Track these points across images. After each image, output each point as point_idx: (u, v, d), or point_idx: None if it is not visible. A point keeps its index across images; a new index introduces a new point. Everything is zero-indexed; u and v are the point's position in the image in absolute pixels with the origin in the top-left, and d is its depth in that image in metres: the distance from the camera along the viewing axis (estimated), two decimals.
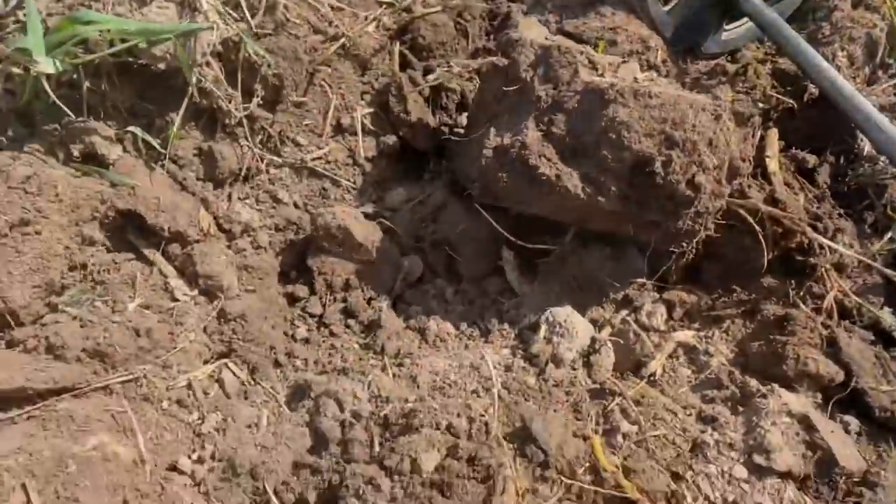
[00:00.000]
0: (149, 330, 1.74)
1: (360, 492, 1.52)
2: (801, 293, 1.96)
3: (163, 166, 2.01)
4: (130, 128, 1.93)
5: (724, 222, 1.89)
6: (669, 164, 1.71)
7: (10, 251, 1.64)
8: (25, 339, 1.66)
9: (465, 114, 2.37)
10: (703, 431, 1.62)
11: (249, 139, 2.14)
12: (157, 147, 1.98)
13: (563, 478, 1.52)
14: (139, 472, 1.56)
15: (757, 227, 1.89)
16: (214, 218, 2.06)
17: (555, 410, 1.70)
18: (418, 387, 1.82)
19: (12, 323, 1.66)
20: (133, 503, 1.53)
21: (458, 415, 1.67)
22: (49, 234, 1.67)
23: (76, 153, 1.86)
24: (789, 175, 2.16)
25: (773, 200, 1.98)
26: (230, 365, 1.88)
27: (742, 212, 1.90)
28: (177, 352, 1.80)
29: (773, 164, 2.08)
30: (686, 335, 1.93)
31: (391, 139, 2.29)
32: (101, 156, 1.88)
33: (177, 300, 1.91)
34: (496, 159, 1.84)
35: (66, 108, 1.82)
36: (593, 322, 1.99)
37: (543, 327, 1.94)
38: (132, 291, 1.84)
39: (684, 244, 1.83)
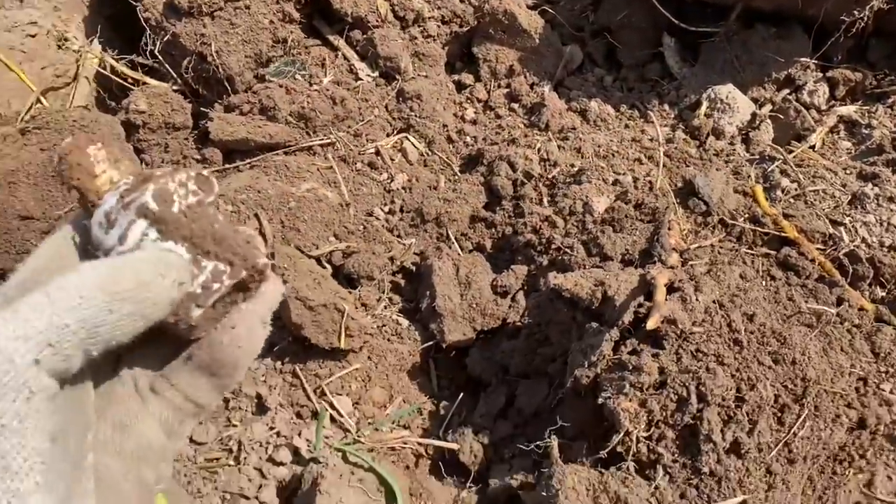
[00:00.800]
0: (343, 99, 1.95)
1: (537, 228, 1.71)
2: None
3: None
4: None
5: None
6: None
7: (225, 23, 1.85)
8: (241, 103, 1.90)
9: None
10: (862, 186, 1.69)
11: None
12: None
13: (724, 221, 1.65)
14: (345, 213, 1.81)
15: None
16: (391, 6, 2.21)
17: (717, 170, 1.80)
18: (583, 156, 1.96)
19: (229, 89, 1.90)
20: (342, 236, 1.78)
21: (624, 173, 1.81)
22: (256, 9, 1.87)
23: None
24: None
25: None
26: (410, 137, 2.08)
27: None
28: (364, 123, 2.01)
29: None
30: (849, 109, 1.96)
31: None
32: None
33: (360, 80, 2.10)
34: None
35: None
36: (754, 101, 2.05)
37: (705, 103, 2.02)
38: (323, 70, 2.04)
39: (856, 12, 1.83)
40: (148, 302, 0.52)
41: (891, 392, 1.40)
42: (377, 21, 2.13)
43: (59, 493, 0.50)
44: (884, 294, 1.54)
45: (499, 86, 2.24)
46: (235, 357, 0.60)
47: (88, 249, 0.58)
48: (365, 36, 2.13)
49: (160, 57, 1.89)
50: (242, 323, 0.59)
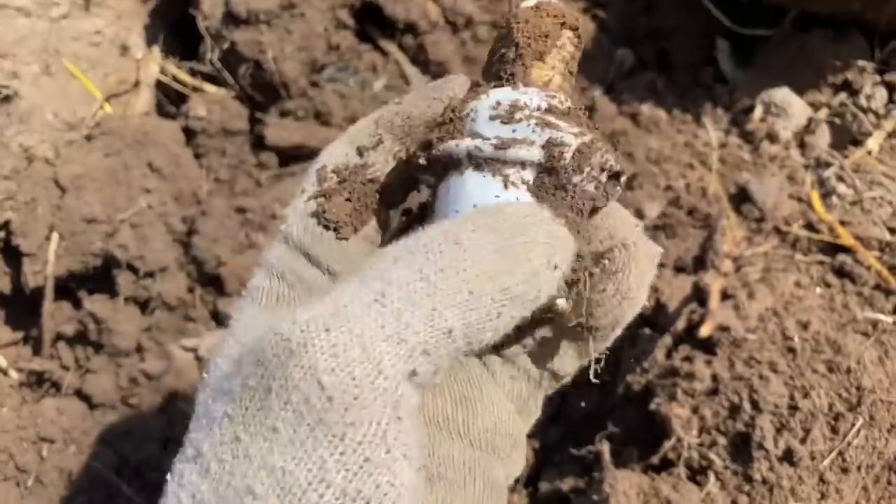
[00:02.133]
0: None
1: None
2: None
3: None
4: None
5: None
6: None
7: (281, 31, 1.90)
8: (296, 109, 1.94)
9: None
10: None
11: None
12: None
13: (778, 227, 1.64)
14: None
15: None
16: (442, 11, 2.23)
17: (771, 176, 1.79)
18: (635, 161, 1.95)
19: (284, 95, 1.94)
20: None
21: (676, 178, 1.81)
22: (311, 16, 1.91)
23: None
24: None
25: None
26: None
27: None
28: None
29: None
30: None
31: None
32: None
33: (411, 84, 2.13)
34: None
35: None
36: (810, 105, 2.02)
37: (759, 107, 2.00)
38: (375, 75, 2.08)
39: None
40: (534, 299, 0.41)
41: None
42: (428, 26, 2.16)
43: None
44: None
45: None
46: (614, 317, 0.49)
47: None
48: (416, 41, 2.16)
49: (218, 64, 1.94)
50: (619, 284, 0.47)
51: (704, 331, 1.30)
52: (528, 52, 0.49)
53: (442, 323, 0.36)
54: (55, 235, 1.70)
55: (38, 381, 1.72)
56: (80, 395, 1.67)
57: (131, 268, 1.71)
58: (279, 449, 0.34)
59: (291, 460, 0.34)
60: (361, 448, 0.33)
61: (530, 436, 1.59)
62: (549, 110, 0.44)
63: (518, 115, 0.43)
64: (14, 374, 1.72)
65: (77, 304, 1.74)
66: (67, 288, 1.75)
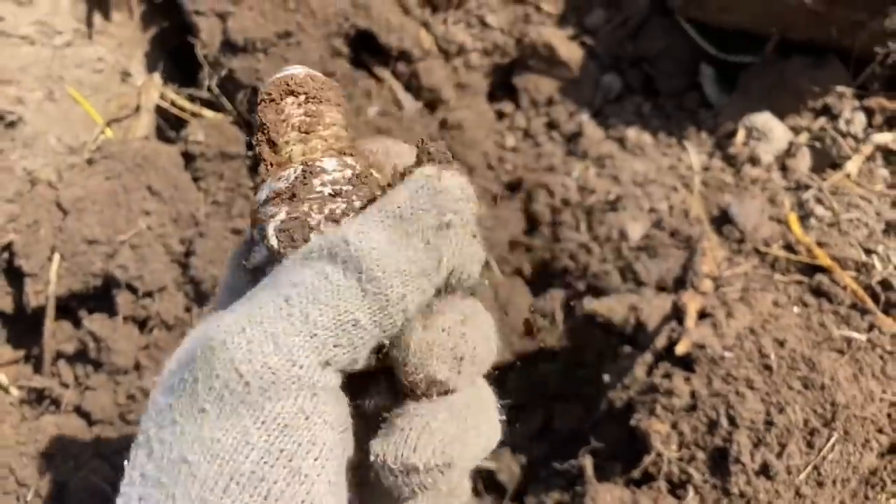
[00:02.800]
0: (388, 129, 2.03)
1: (574, 255, 1.76)
2: None
3: None
4: None
5: None
6: None
7: (277, 59, 1.96)
8: None
9: None
10: None
11: None
12: None
13: (758, 248, 1.69)
14: None
15: None
16: (434, 39, 2.30)
17: (752, 199, 1.84)
18: (620, 183, 2.01)
19: None
20: None
21: (660, 200, 1.86)
22: (307, 45, 1.97)
23: None
24: None
25: None
26: None
27: None
28: None
29: None
30: (885, 137, 1.98)
31: None
32: None
33: (404, 110, 2.19)
34: None
35: None
36: (791, 129, 2.08)
37: (741, 131, 2.06)
38: (369, 101, 2.14)
39: (891, 44, 1.86)
40: (437, 270, 0.49)
41: None
42: (421, 54, 2.22)
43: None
44: None
45: (538, 115, 2.31)
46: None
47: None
48: (409, 68, 2.22)
49: (216, 90, 2.00)
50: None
51: (680, 349, 1.35)
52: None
53: (348, 316, 0.43)
54: (57, 256, 1.75)
55: (38, 399, 1.76)
56: (80, 411, 1.71)
57: (130, 288, 1.76)
58: (208, 425, 0.42)
59: (219, 431, 0.42)
60: (280, 417, 0.41)
61: (517, 451, 1.63)
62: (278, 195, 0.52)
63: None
64: (15, 392, 1.76)
65: (77, 324, 1.79)
66: (68, 307, 1.80)
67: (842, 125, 2.06)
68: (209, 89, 1.99)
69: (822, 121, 2.08)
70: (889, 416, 1.41)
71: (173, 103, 2.06)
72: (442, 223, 0.50)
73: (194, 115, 2.05)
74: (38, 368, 1.79)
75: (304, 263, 0.47)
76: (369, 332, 0.44)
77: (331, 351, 0.43)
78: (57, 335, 1.77)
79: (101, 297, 1.79)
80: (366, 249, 0.46)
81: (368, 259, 0.46)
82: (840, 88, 2.06)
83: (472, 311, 0.56)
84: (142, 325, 1.78)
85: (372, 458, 0.52)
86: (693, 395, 1.38)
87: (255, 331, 0.42)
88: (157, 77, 2.10)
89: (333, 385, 0.45)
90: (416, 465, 0.50)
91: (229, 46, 1.93)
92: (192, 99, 2.07)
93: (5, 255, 1.75)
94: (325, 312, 0.43)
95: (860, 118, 2.06)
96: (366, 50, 2.21)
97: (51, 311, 1.74)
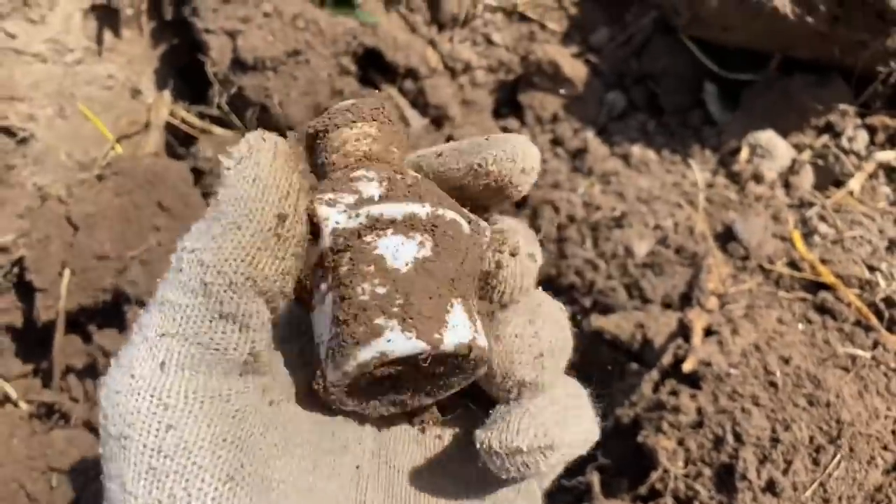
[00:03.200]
0: None
1: (580, 271, 1.78)
2: None
3: (398, 10, 2.29)
4: None
5: None
6: None
7: (287, 77, 1.98)
8: None
9: None
10: None
11: None
12: None
13: (762, 265, 1.70)
14: None
15: None
16: (441, 57, 2.32)
17: (756, 216, 1.86)
18: (625, 200, 2.03)
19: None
20: None
21: (665, 217, 1.88)
22: (316, 63, 1.99)
23: None
24: None
25: None
26: None
27: None
28: None
29: None
30: (888, 155, 2.00)
31: None
32: None
33: (411, 126, 2.21)
34: None
35: None
36: (794, 146, 2.10)
37: (745, 149, 2.08)
38: None
39: (892, 63, 1.89)
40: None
41: None
42: (427, 71, 2.25)
43: None
44: None
45: (543, 131, 2.33)
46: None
47: None
48: (416, 85, 2.24)
49: (226, 107, 2.02)
50: None
51: (687, 366, 1.36)
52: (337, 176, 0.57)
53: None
54: (67, 272, 1.76)
55: (47, 413, 1.77)
56: (89, 426, 1.73)
57: (140, 303, 1.77)
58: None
59: None
60: None
61: None
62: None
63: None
64: (24, 406, 1.78)
65: (87, 338, 1.80)
66: (78, 322, 1.82)
67: (844, 143, 2.08)
68: (219, 106, 2.01)
69: (825, 138, 2.10)
70: (894, 433, 1.42)
71: (183, 120, 2.08)
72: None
73: (204, 131, 2.07)
74: (47, 383, 1.80)
75: None
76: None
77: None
78: (66, 350, 1.79)
79: (110, 312, 1.81)
80: None
81: None
82: (843, 106, 2.08)
83: (537, 305, 0.59)
84: None
85: (477, 445, 0.56)
86: (699, 411, 1.39)
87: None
88: (166, 94, 2.13)
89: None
90: (519, 447, 0.54)
91: (239, 64, 1.96)
92: (201, 116, 2.10)
93: (16, 269, 1.77)
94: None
95: (863, 136, 2.08)
96: (373, 67, 2.24)
97: (61, 326, 1.76)
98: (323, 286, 0.53)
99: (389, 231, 0.52)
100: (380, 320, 0.49)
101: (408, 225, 0.52)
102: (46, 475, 1.63)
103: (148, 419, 0.46)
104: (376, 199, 0.53)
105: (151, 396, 0.47)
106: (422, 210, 0.53)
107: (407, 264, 0.51)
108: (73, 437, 1.68)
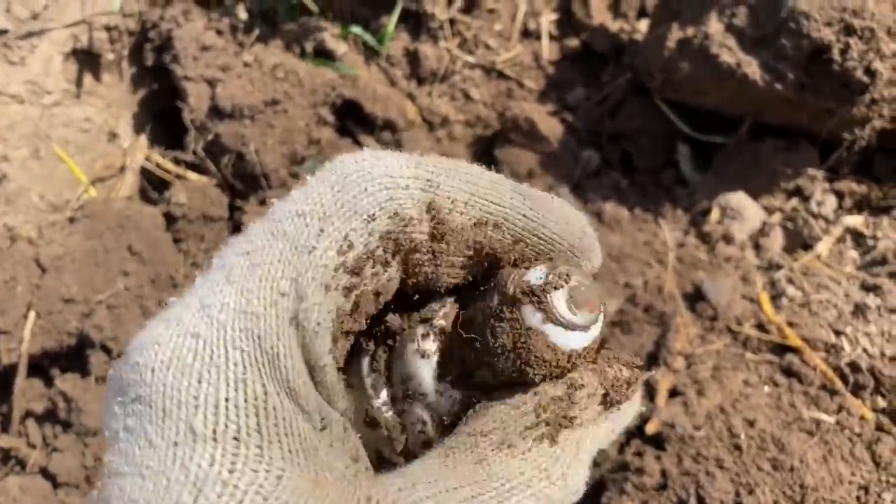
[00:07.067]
0: None
1: None
2: None
3: (378, 64, 2.32)
4: (353, 28, 2.25)
5: None
6: (847, 51, 1.81)
7: (263, 125, 2.00)
8: (275, 198, 2.02)
9: (644, 20, 2.53)
10: (865, 297, 1.75)
11: (448, 41, 2.41)
12: (374, 46, 2.29)
13: (730, 327, 1.71)
14: None
15: None
16: (419, 110, 2.35)
17: (725, 276, 1.88)
18: None
19: (264, 184, 2.03)
20: None
21: (635, 276, 1.89)
22: (293, 112, 2.01)
23: (309, 48, 2.20)
24: None
25: None
26: None
27: None
28: None
29: None
30: (855, 220, 2.04)
31: (573, 42, 2.49)
32: (329, 51, 2.20)
33: None
34: (679, 51, 2.00)
35: (304, 9, 2.15)
36: (765, 209, 2.13)
37: (716, 210, 2.11)
38: None
39: (857, 131, 1.93)
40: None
41: (892, 502, 1.43)
42: (405, 124, 2.27)
43: None
44: (885, 404, 1.58)
45: None
46: None
47: None
48: (394, 137, 2.26)
49: (202, 153, 2.03)
50: None
51: (650, 428, 1.36)
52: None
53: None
54: (32, 314, 1.74)
55: (3, 459, 1.73)
56: (46, 473, 1.68)
57: (104, 348, 1.75)
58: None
59: None
60: None
61: None
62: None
63: None
64: None
65: (49, 383, 1.77)
66: (40, 366, 1.79)
67: (813, 206, 2.11)
68: (194, 152, 2.01)
69: (794, 202, 2.14)
70: (858, 498, 1.42)
71: (158, 165, 2.09)
72: None
73: (178, 177, 2.07)
74: (5, 427, 1.76)
75: None
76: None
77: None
78: (27, 394, 1.75)
79: (74, 356, 1.78)
80: None
81: None
82: (811, 171, 2.12)
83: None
84: None
85: None
86: (663, 473, 1.38)
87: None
88: (143, 139, 2.14)
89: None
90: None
91: (216, 112, 1.97)
92: (177, 161, 2.10)
93: None
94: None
95: (831, 200, 2.12)
96: (351, 118, 2.26)
97: (22, 370, 1.73)
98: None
99: None
100: None
101: None
102: None
103: None
104: None
105: None
106: None
107: None
108: (29, 485, 1.64)
